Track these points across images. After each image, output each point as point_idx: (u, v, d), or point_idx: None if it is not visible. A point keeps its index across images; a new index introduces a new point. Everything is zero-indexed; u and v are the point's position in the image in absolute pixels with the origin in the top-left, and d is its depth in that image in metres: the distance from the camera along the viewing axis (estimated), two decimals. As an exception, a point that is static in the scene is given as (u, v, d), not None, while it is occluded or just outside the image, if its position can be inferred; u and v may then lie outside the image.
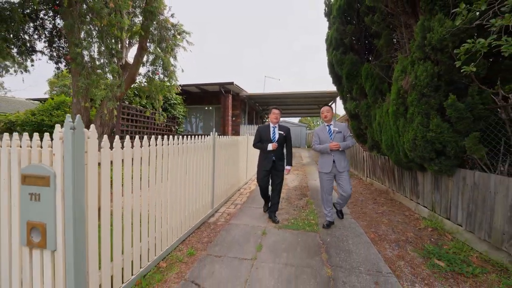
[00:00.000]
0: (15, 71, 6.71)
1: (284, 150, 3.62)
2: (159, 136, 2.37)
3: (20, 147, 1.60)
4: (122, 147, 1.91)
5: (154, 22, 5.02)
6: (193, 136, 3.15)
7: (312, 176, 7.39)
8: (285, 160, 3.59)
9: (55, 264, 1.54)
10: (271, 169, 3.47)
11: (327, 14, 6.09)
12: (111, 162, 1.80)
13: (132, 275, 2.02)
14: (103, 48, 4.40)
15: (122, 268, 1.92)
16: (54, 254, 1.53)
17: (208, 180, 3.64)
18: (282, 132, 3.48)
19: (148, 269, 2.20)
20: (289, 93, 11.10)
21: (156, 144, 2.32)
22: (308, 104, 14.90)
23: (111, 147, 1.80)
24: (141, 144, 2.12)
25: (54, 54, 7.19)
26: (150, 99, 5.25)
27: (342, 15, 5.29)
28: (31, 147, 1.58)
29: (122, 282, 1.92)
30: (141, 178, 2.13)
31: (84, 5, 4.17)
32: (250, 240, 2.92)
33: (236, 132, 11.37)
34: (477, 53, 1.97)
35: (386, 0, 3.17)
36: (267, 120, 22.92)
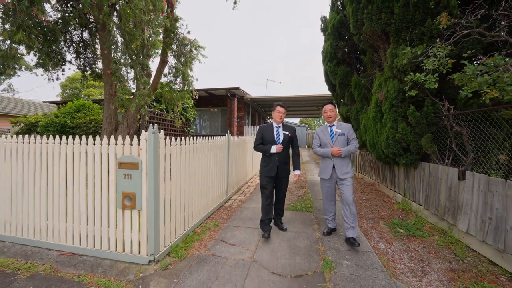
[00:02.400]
0: (48, 79, 7.63)
1: (290, 153, 3.26)
2: (183, 137, 3.23)
3: (116, 144, 2.48)
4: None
5: (175, 40, 5.91)
6: (210, 137, 4.02)
7: (310, 172, 8.24)
8: (292, 165, 3.24)
9: (140, 219, 2.41)
10: (276, 175, 3.04)
11: (323, 30, 6.95)
12: (170, 155, 2.67)
13: (180, 234, 2.89)
14: (131, 62, 5.29)
15: (175, 228, 2.80)
16: (140, 212, 2.41)
17: (224, 172, 4.52)
18: (288, 133, 3.08)
19: (188, 232, 3.07)
20: (290, 96, 11.94)
21: (193, 143, 3.19)
22: (308, 106, 15.73)
23: (170, 144, 2.67)
24: (186, 142, 3.00)
25: (81, 64, 8.12)
26: (170, 105, 6.13)
27: (335, 32, 6.14)
28: (123, 144, 2.46)
29: (175, 238, 2.79)
30: (184, 167, 3.00)
31: (118, 30, 5.06)
32: (259, 217, 3.79)
33: (240, 133, 12.24)
34: (419, 81, 2.82)
35: (366, 29, 4.01)
36: (269, 120, 23.77)
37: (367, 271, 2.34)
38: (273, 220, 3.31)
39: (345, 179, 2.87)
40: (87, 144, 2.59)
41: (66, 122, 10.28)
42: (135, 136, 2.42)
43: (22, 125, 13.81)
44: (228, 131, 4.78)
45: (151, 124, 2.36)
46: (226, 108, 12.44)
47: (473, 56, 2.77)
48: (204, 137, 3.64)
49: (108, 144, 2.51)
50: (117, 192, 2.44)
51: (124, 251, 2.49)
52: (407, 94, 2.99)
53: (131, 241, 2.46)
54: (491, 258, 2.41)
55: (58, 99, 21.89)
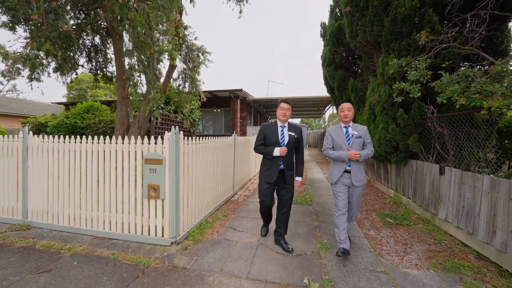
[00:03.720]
0: (63, 82, 8.08)
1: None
2: (190, 137, 3.64)
3: (142, 144, 2.90)
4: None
5: (183, 46, 6.33)
6: (214, 137, 4.43)
7: (311, 171, 8.65)
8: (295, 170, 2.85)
9: (163, 207, 2.83)
10: (277, 182, 2.74)
11: (323, 35, 7.34)
12: (188, 153, 3.09)
13: (195, 222, 3.31)
14: (144, 68, 5.71)
15: (191, 216, 3.21)
16: (163, 201, 2.82)
17: (230, 169, 4.93)
18: (293, 134, 2.74)
19: (202, 221, 3.49)
20: (291, 97, 12.33)
21: (204, 142, 3.61)
22: (309, 107, 16.11)
23: (188, 143, 3.09)
24: (198, 141, 3.41)
25: (93, 67, 8.57)
26: (179, 107, 6.56)
27: (334, 39, 6.53)
28: (149, 143, 2.88)
29: (191, 225, 3.21)
30: (198, 163, 3.41)
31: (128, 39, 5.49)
32: (263, 209, 4.20)
33: (243, 133, 12.64)
34: (404, 89, 3.22)
35: (360, 39, 4.41)
36: (270, 120, 24.15)
37: (357, 251, 2.74)
38: (275, 240, 2.93)
39: (358, 187, 2.62)
40: (116, 143, 3.01)
41: (77, 122, 10.73)
42: (159, 136, 2.83)
43: (31, 125, 14.24)
44: (234, 132, 5.18)
45: (173, 127, 2.78)
46: (229, 109, 12.86)
47: (452, 66, 3.16)
48: (208, 137, 3.81)
49: (136, 143, 2.93)
50: (144, 184, 2.85)
51: (149, 235, 2.91)
52: (393, 99, 3.39)
53: (155, 226, 2.88)
54: (464, 241, 2.81)
55: (64, 99, 22.42)
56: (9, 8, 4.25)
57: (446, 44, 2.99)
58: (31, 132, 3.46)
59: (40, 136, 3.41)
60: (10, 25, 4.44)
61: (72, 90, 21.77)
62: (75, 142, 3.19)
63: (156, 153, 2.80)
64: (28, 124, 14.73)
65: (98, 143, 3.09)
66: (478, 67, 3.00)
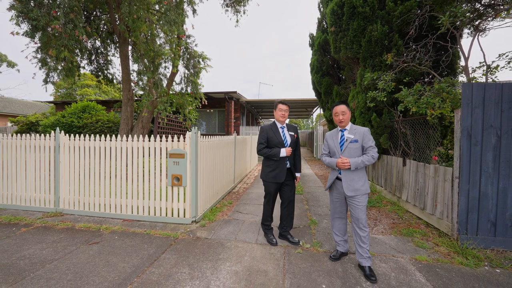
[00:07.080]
0: (71, 83, 8.38)
1: None
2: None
3: (166, 141, 3.53)
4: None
5: (186, 53, 6.91)
6: (209, 136, 5.10)
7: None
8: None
9: (185, 193, 3.48)
10: (283, 181, 2.84)
11: (311, 45, 8.17)
12: (203, 149, 3.75)
13: (208, 206, 3.98)
14: (152, 75, 6.25)
15: (205, 201, 3.87)
16: (185, 188, 3.47)
17: (232, 164, 5.61)
18: (293, 133, 2.91)
19: (212, 206, 4.16)
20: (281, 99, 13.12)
21: (213, 140, 4.27)
22: (297, 108, 17.01)
23: (202, 141, 3.74)
24: (209, 139, 4.07)
25: (94, 69, 8.91)
26: (182, 109, 7.14)
27: (321, 49, 7.37)
28: (172, 141, 3.51)
29: (205, 208, 3.87)
30: (210, 157, 4.07)
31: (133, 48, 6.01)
32: (261, 198, 4.92)
33: (236, 133, 13.31)
34: (375, 96, 4.06)
35: (343, 54, 5.24)
36: (261, 121, 24.89)
37: (339, 225, 3.53)
38: (280, 235, 3.08)
39: (354, 197, 2.30)
40: (144, 141, 3.62)
41: (73, 122, 10.91)
42: (181, 136, 3.48)
43: (21, 124, 14.07)
44: (234, 131, 5.85)
45: (193, 128, 3.44)
46: (222, 110, 13.48)
47: (411, 81, 4.05)
48: (203, 136, 4.21)
49: (161, 141, 3.56)
50: (168, 174, 3.49)
51: (172, 216, 3.55)
52: (367, 105, 4.24)
53: (178, 208, 3.52)
54: (418, 215, 3.68)
55: (51, 98, 21.94)
56: (32, 19, 4.68)
57: (407, 64, 3.85)
58: (62, 132, 3.96)
59: (71, 135, 3.93)
60: (31, 33, 4.85)
61: (60, 89, 21.38)
62: (105, 140, 3.75)
63: (179, 149, 3.45)
64: (17, 123, 14.57)
65: (127, 141, 3.68)
66: (438, 79, 3.88)
